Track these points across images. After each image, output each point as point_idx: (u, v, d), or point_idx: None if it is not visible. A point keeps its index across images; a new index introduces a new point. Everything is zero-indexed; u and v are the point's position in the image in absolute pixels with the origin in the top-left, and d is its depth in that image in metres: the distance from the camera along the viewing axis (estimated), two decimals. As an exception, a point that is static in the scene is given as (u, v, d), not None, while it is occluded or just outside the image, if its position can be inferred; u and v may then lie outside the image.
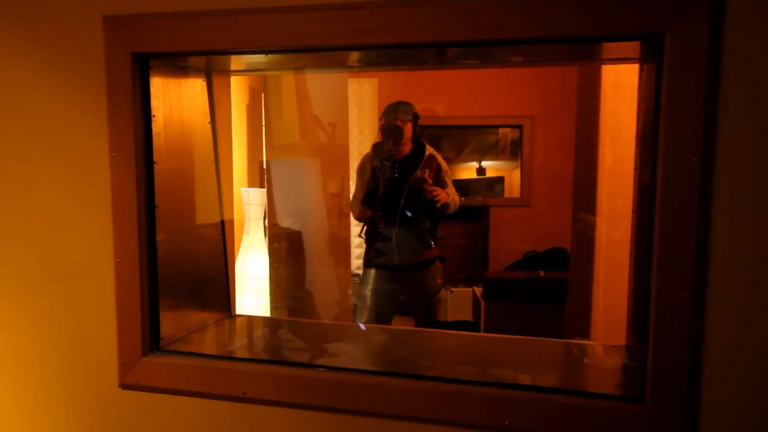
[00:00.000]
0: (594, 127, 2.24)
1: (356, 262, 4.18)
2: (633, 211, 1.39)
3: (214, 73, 1.72)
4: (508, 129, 5.08)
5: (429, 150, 3.35)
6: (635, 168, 1.38)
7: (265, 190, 3.17)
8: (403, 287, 3.41)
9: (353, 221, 3.63)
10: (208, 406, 1.48)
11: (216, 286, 1.80)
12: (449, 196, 3.33)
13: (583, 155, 2.38)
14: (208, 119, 1.71)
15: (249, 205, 3.07)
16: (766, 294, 1.13)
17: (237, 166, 1.78)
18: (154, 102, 1.47)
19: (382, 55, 1.49)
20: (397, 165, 3.30)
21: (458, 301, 4.12)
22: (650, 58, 1.23)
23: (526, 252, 4.23)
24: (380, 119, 3.45)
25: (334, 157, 3.71)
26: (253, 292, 3.04)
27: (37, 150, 1.53)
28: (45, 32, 1.48)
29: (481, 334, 3.33)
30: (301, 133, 3.51)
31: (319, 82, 3.48)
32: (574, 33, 1.16)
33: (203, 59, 1.60)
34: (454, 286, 4.27)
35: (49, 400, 1.61)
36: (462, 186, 5.02)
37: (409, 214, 3.25)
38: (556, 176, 4.67)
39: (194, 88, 1.65)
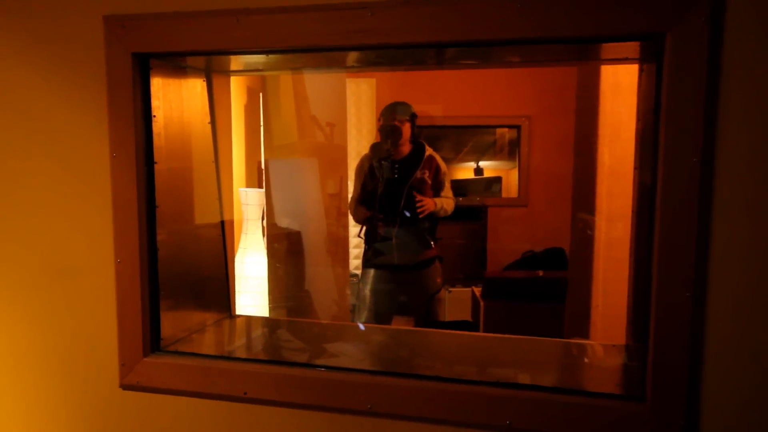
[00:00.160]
0: (593, 127, 2.25)
1: (354, 262, 4.18)
2: (632, 211, 1.40)
3: (213, 73, 1.72)
4: (506, 129, 5.09)
5: (428, 151, 3.35)
6: (635, 168, 1.38)
7: (263, 190, 3.17)
8: (402, 287, 3.41)
9: (352, 221, 3.63)
10: (208, 407, 1.48)
11: (216, 287, 1.80)
12: (437, 205, 3.32)
13: (582, 155, 2.39)
14: (208, 119, 1.71)
15: (247, 206, 3.07)
16: (766, 293, 1.13)
17: (235, 166, 1.78)
18: (155, 102, 1.47)
19: (381, 55, 1.49)
20: (396, 166, 3.31)
21: (456, 301, 4.12)
22: (650, 58, 1.23)
23: (524, 252, 4.24)
24: (378, 120, 3.45)
25: (332, 157, 3.71)
26: (251, 292, 3.04)
27: (37, 150, 1.53)
28: (45, 32, 1.47)
29: (481, 333, 3.34)
30: (299, 134, 3.52)
31: (317, 82, 3.49)
32: (574, 33, 1.17)
33: (203, 59, 1.61)
34: (452, 286, 4.28)
35: (49, 401, 1.61)
36: (460, 186, 5.03)
37: (408, 214, 3.26)
38: (554, 176, 4.68)
39: (194, 89, 1.65)
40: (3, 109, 1.53)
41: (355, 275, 4.01)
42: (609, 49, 1.40)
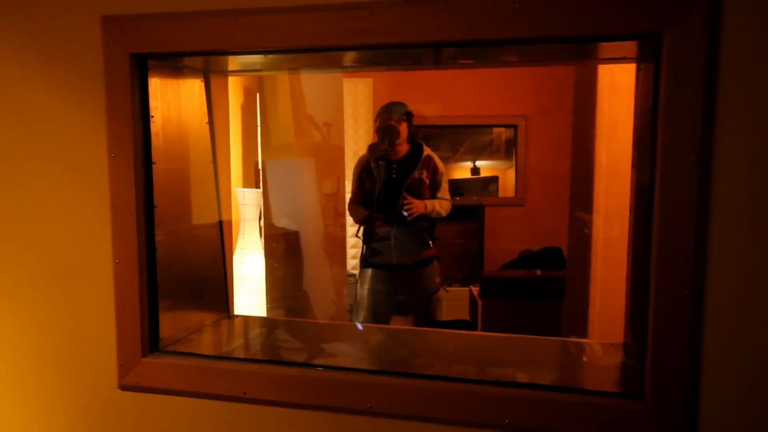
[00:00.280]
0: (590, 127, 2.25)
1: (352, 262, 4.18)
2: (630, 210, 1.40)
3: (211, 73, 1.71)
4: (503, 129, 5.09)
5: (426, 151, 3.35)
6: (632, 167, 1.39)
7: (260, 190, 3.16)
8: (401, 287, 3.41)
9: (349, 221, 3.63)
10: (208, 407, 1.48)
11: (214, 287, 1.80)
12: (427, 208, 3.30)
13: (579, 154, 2.39)
14: (206, 120, 1.71)
15: (244, 206, 3.06)
16: (764, 291, 1.14)
17: (232, 166, 1.78)
18: (153, 102, 1.47)
19: (379, 54, 1.49)
20: (394, 166, 3.31)
21: (454, 300, 4.12)
22: (647, 58, 1.23)
23: (522, 251, 4.24)
24: (375, 121, 3.44)
25: (329, 157, 3.71)
26: (248, 292, 3.03)
27: (35, 151, 1.52)
28: (43, 33, 1.47)
29: (479, 332, 3.34)
30: (296, 134, 3.51)
31: (314, 82, 3.48)
32: (572, 33, 1.17)
33: (201, 60, 1.61)
34: (450, 285, 4.28)
35: (48, 402, 1.61)
36: (456, 186, 5.03)
37: (405, 214, 3.25)
38: (551, 176, 4.68)
39: (192, 89, 1.65)
40: (1, 110, 1.53)
41: (353, 275, 4.01)
42: (606, 48, 1.40)
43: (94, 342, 1.54)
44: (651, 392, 1.20)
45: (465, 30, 1.21)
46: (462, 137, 5.18)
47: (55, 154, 1.51)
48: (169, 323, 1.57)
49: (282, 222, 3.29)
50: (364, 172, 3.40)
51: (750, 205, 1.13)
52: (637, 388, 1.24)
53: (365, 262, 3.44)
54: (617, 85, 2.14)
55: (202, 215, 1.73)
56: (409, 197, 3.26)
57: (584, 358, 1.60)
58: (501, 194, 5.13)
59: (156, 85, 1.48)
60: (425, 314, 3.39)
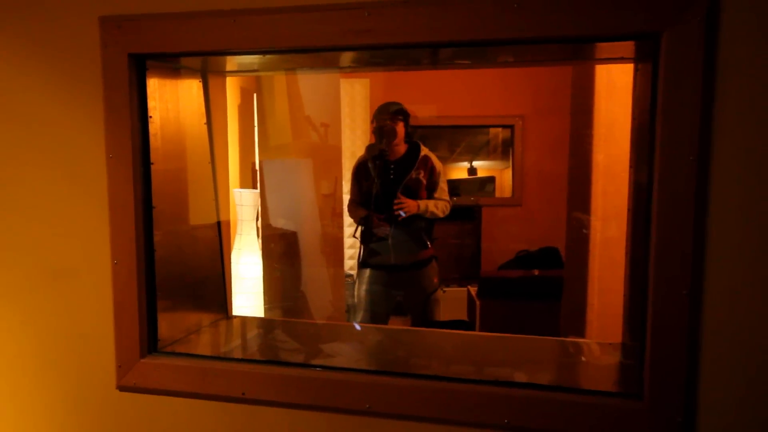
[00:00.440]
0: (588, 127, 2.26)
1: (349, 263, 4.18)
2: (628, 210, 1.40)
3: (209, 74, 1.71)
4: (499, 129, 5.10)
5: (424, 151, 3.35)
6: (630, 167, 1.39)
7: (257, 191, 3.16)
8: (399, 287, 3.41)
9: (347, 221, 3.63)
10: (206, 408, 1.48)
11: (213, 287, 1.80)
12: (420, 208, 3.29)
13: (576, 154, 2.39)
14: (204, 120, 1.71)
15: (242, 207, 3.06)
16: (762, 289, 1.14)
17: (229, 167, 1.79)
18: (151, 103, 1.47)
19: (376, 55, 1.49)
20: (391, 166, 3.31)
21: (451, 300, 4.12)
22: (645, 58, 1.24)
23: (519, 251, 4.25)
24: (372, 122, 3.45)
25: (326, 157, 3.71)
26: (246, 293, 3.03)
27: (33, 151, 1.52)
28: (41, 33, 1.47)
29: (478, 332, 3.34)
30: (293, 134, 3.51)
31: (311, 82, 3.48)
32: (571, 33, 1.17)
33: (199, 60, 1.60)
34: (447, 285, 4.28)
35: (46, 403, 1.60)
36: (453, 186, 5.03)
37: (403, 214, 3.25)
38: (548, 176, 4.69)
39: (190, 89, 1.65)
40: (-1, 110, 1.53)
41: (350, 276, 4.01)
42: (604, 48, 1.41)
43: (92, 343, 1.54)
44: (649, 391, 1.20)
45: (464, 30, 1.21)
46: (459, 137, 5.19)
47: (53, 155, 1.51)
48: (167, 324, 1.57)
49: (279, 222, 3.29)
50: (362, 172, 3.40)
51: (748, 204, 1.13)
52: (636, 388, 1.24)
53: (363, 262, 3.44)
54: (614, 85, 2.15)
55: (200, 216, 1.73)
56: (401, 197, 3.26)
57: (582, 358, 1.61)
58: (498, 194, 5.13)
59: (154, 85, 1.48)
60: (423, 314, 3.39)
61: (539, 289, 3.54)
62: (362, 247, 3.43)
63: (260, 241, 3.13)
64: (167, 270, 1.55)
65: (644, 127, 1.22)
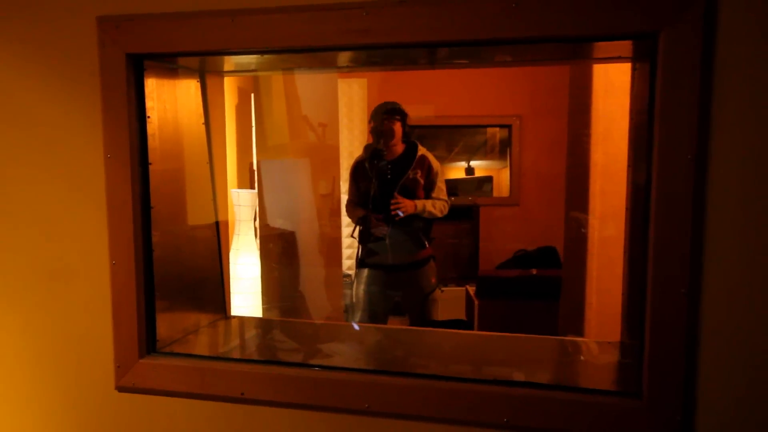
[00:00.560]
0: (586, 126, 2.26)
1: (347, 263, 4.18)
2: (626, 209, 1.41)
3: (207, 74, 1.71)
4: (497, 128, 5.10)
5: (421, 150, 3.35)
6: (628, 166, 1.39)
7: (255, 191, 3.16)
8: (397, 287, 3.41)
9: (345, 221, 3.63)
10: (205, 408, 1.48)
11: (211, 288, 1.80)
12: (417, 208, 3.29)
13: (574, 154, 2.40)
14: (202, 120, 1.71)
15: (239, 207, 3.06)
16: (760, 289, 1.15)
17: (227, 167, 1.79)
18: (149, 103, 1.47)
19: (374, 54, 1.49)
20: (389, 166, 3.30)
21: (449, 300, 4.13)
22: (643, 57, 1.24)
23: (517, 251, 4.25)
24: (369, 122, 3.44)
25: (324, 157, 3.71)
26: (244, 293, 3.03)
27: (31, 151, 1.52)
28: (39, 33, 1.47)
29: (476, 332, 3.34)
30: (291, 134, 3.51)
31: (308, 82, 3.48)
32: (568, 33, 1.18)
33: (197, 60, 1.60)
34: (445, 285, 4.28)
35: (44, 404, 1.60)
36: (451, 186, 5.02)
37: (401, 214, 3.25)
38: (545, 175, 4.69)
39: (188, 89, 1.65)
40: (-4, 110, 1.53)
41: (348, 276, 4.01)
42: (602, 48, 1.41)
43: (90, 343, 1.53)
44: (648, 390, 1.20)
45: (462, 30, 1.21)
46: (456, 137, 5.19)
47: (51, 155, 1.51)
48: (166, 324, 1.56)
49: (277, 223, 3.29)
50: (359, 172, 3.40)
51: (746, 203, 1.13)
52: (634, 386, 1.25)
53: (361, 262, 3.44)
54: (612, 84, 2.15)
55: (198, 216, 1.73)
56: (398, 197, 3.26)
57: (581, 357, 1.61)
58: (495, 194, 5.14)
59: (152, 85, 1.48)
60: (421, 314, 3.40)
61: (537, 288, 3.54)
62: (360, 246, 3.43)
63: (258, 241, 3.13)
64: (165, 270, 1.55)
65: (642, 127, 1.23)
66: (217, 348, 1.73)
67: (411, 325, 3.39)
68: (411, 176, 3.29)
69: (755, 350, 1.16)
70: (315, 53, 1.41)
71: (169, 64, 1.56)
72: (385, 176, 3.29)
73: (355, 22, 1.25)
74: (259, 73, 2.79)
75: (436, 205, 3.33)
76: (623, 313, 1.45)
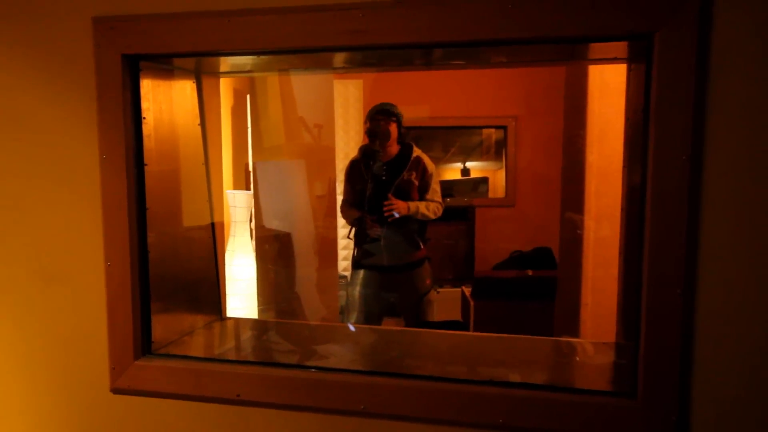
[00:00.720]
0: (581, 127, 2.26)
1: (343, 264, 4.18)
2: (621, 210, 1.41)
3: (203, 75, 1.71)
4: (492, 129, 5.10)
5: (416, 152, 3.35)
6: (623, 167, 1.40)
7: (251, 192, 3.16)
8: (392, 288, 3.41)
9: (340, 223, 3.62)
10: (201, 410, 1.47)
11: (207, 289, 1.79)
12: (410, 209, 3.29)
13: (570, 155, 2.40)
14: (198, 121, 1.71)
15: (235, 208, 3.05)
16: (755, 289, 1.15)
17: (223, 168, 1.79)
18: (144, 104, 1.47)
19: (369, 55, 1.49)
20: (384, 167, 3.31)
21: (445, 301, 4.13)
22: (638, 58, 1.24)
23: (512, 252, 4.26)
24: (365, 122, 3.44)
25: (320, 158, 3.71)
26: (239, 294, 3.02)
27: (26, 152, 1.51)
28: (34, 34, 1.46)
29: (472, 333, 3.35)
30: (286, 135, 3.51)
31: (304, 83, 3.48)
32: (564, 34, 1.18)
33: (192, 61, 1.60)
34: (441, 286, 4.28)
35: (39, 406, 1.60)
36: (447, 187, 5.03)
37: (396, 215, 3.25)
38: (541, 176, 4.70)
39: (184, 90, 1.65)
40: (-9, 111, 1.52)
41: (344, 277, 4.01)
42: (597, 49, 1.41)
43: (85, 345, 1.53)
44: (643, 390, 1.20)
45: (458, 31, 1.21)
46: (452, 138, 5.19)
47: (46, 156, 1.50)
48: (161, 326, 1.56)
49: (273, 224, 3.28)
50: (354, 173, 3.40)
51: (741, 203, 1.14)
52: (630, 387, 1.25)
53: (356, 263, 3.44)
54: (607, 85, 2.16)
55: (194, 217, 1.73)
56: (392, 198, 3.26)
57: (576, 358, 1.61)
58: (491, 195, 5.14)
59: (148, 86, 1.48)
60: (417, 315, 3.40)
61: (533, 289, 3.55)
62: (355, 248, 3.43)
63: (254, 242, 3.12)
64: (161, 272, 1.55)
65: (637, 127, 1.23)
66: (213, 349, 1.72)
67: (406, 326, 3.39)
68: (406, 177, 3.29)
69: (750, 350, 1.17)
70: (310, 54, 1.41)
71: (165, 65, 1.56)
72: (380, 177, 3.29)
73: (351, 23, 1.25)
74: (255, 74, 2.79)
75: (430, 207, 3.33)
76: (618, 313, 1.45)
